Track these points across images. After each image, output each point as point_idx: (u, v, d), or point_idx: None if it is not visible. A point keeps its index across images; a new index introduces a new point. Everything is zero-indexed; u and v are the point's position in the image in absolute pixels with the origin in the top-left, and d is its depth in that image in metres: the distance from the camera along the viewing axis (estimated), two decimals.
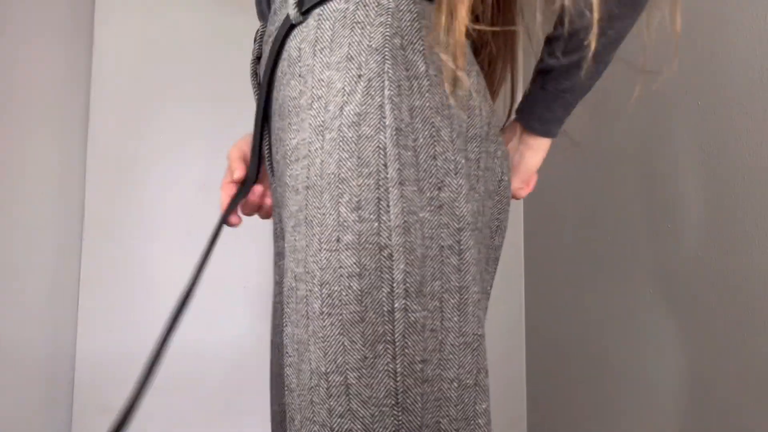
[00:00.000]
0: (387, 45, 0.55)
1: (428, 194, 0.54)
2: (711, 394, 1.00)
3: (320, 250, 0.53)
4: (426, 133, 0.55)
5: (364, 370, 0.51)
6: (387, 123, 0.53)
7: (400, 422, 0.52)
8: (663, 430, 1.11)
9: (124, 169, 1.46)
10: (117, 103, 1.45)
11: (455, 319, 0.55)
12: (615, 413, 1.26)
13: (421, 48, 0.56)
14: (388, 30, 0.55)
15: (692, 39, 1.05)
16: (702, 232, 1.03)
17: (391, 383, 0.51)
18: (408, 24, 0.56)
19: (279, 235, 0.73)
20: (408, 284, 0.52)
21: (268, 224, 1.50)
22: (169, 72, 1.48)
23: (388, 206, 0.52)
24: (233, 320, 1.48)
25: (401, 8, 0.56)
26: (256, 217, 1.56)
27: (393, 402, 0.51)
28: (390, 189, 0.52)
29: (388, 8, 0.56)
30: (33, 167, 1.22)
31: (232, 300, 1.48)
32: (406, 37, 0.56)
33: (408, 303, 0.52)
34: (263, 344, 1.48)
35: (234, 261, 1.49)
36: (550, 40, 0.63)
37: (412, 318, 0.52)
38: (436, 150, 0.55)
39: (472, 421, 0.55)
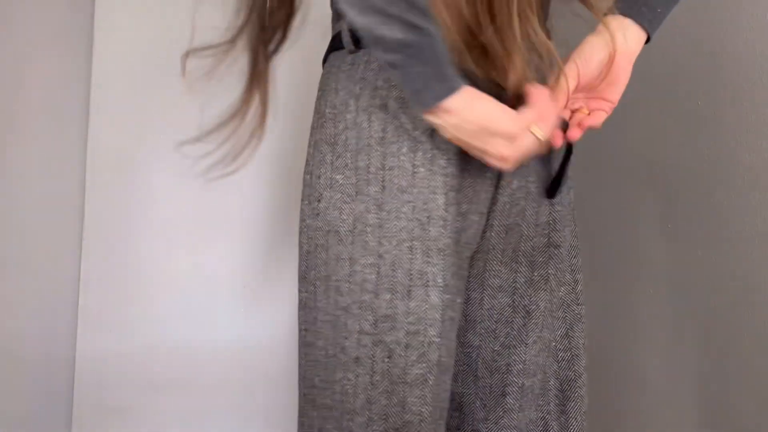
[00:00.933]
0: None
1: (312, 205, 0.73)
2: (711, 394, 1.00)
3: None
4: (317, 159, 0.73)
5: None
6: (306, 156, 0.76)
7: (300, 374, 0.75)
8: (663, 429, 1.11)
9: (124, 169, 1.46)
10: (117, 103, 1.45)
11: (323, 300, 0.71)
12: (615, 413, 1.26)
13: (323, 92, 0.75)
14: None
15: (692, 39, 1.05)
16: (702, 232, 1.03)
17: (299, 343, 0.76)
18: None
19: None
20: (299, 271, 0.75)
21: (267, 224, 1.50)
22: (170, 72, 1.48)
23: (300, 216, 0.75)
24: (232, 319, 1.48)
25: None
26: (256, 216, 1.56)
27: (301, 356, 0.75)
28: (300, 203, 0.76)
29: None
30: (33, 167, 1.22)
31: (231, 299, 1.48)
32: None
33: (299, 285, 0.75)
34: (262, 343, 1.48)
35: (233, 260, 1.49)
36: None
37: (299, 297, 0.75)
38: (320, 171, 0.72)
39: (334, 386, 0.70)
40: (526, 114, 0.64)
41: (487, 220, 0.73)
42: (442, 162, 0.67)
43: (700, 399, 1.02)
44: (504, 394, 0.75)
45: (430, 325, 0.66)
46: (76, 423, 1.39)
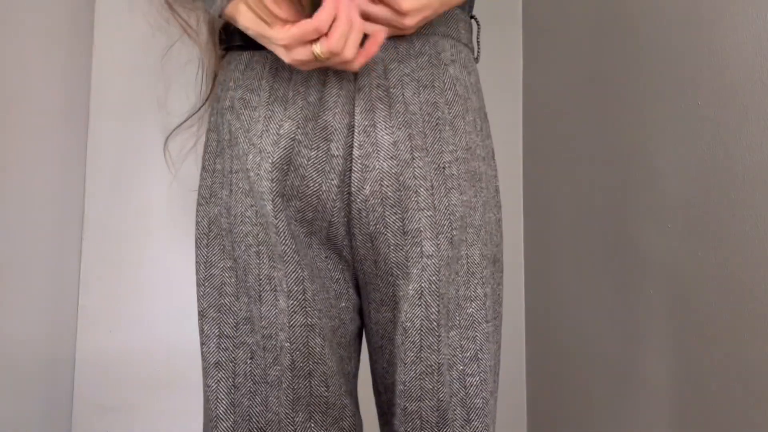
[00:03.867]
0: None
1: None
2: (711, 394, 1.00)
3: None
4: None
5: None
6: None
7: None
8: (663, 429, 1.11)
9: (124, 169, 1.46)
10: (117, 103, 1.45)
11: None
12: (615, 413, 1.26)
13: None
14: None
15: (692, 39, 1.05)
16: (702, 232, 1.03)
17: None
18: None
19: None
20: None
21: None
22: (170, 72, 1.48)
23: None
24: None
25: None
26: None
27: None
28: None
29: None
30: (33, 167, 1.22)
31: None
32: None
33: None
34: None
35: None
36: None
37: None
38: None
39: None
40: (299, 25, 0.58)
41: (349, 229, 0.68)
42: (267, 166, 0.65)
43: (700, 399, 1.02)
44: (392, 414, 0.71)
45: (280, 330, 0.66)
46: (76, 423, 1.39)
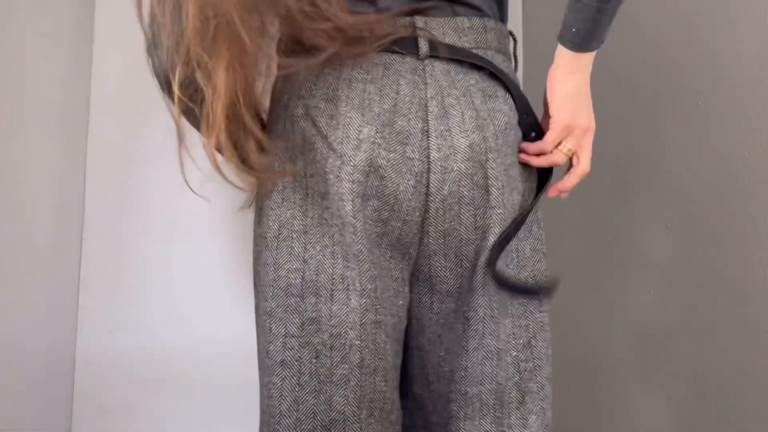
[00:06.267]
0: None
1: (255, 214, 0.81)
2: (711, 394, 1.00)
3: None
4: None
5: None
6: None
7: None
8: (663, 429, 1.11)
9: (124, 169, 1.45)
10: (117, 103, 1.45)
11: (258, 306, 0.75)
12: (615, 413, 1.26)
13: None
14: None
15: (692, 38, 1.05)
16: (702, 232, 1.03)
17: None
18: None
19: None
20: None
21: None
22: None
23: None
24: (232, 319, 1.48)
25: None
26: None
27: None
28: None
29: None
30: (33, 167, 1.22)
31: (230, 299, 1.48)
32: None
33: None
34: None
35: (233, 261, 1.49)
36: None
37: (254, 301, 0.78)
38: None
39: (262, 390, 0.73)
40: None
41: (422, 227, 0.73)
42: (349, 168, 0.69)
43: (700, 398, 1.02)
44: (449, 401, 0.74)
45: (351, 328, 0.69)
46: (76, 423, 1.39)
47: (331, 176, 0.69)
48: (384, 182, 0.70)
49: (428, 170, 0.70)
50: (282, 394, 0.70)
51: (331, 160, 0.69)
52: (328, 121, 0.70)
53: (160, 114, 1.48)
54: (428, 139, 0.70)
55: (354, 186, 0.69)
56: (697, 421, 1.03)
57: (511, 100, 0.76)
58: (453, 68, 0.73)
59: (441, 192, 0.71)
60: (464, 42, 0.74)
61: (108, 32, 1.45)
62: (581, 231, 1.39)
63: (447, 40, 0.73)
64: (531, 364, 0.76)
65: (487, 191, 0.72)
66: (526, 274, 0.76)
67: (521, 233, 0.76)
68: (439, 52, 0.72)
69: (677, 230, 1.09)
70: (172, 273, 1.45)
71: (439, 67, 0.72)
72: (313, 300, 0.70)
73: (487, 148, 0.71)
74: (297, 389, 0.69)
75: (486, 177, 0.72)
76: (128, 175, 1.46)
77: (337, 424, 0.68)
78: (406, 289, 0.76)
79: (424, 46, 0.72)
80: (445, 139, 0.70)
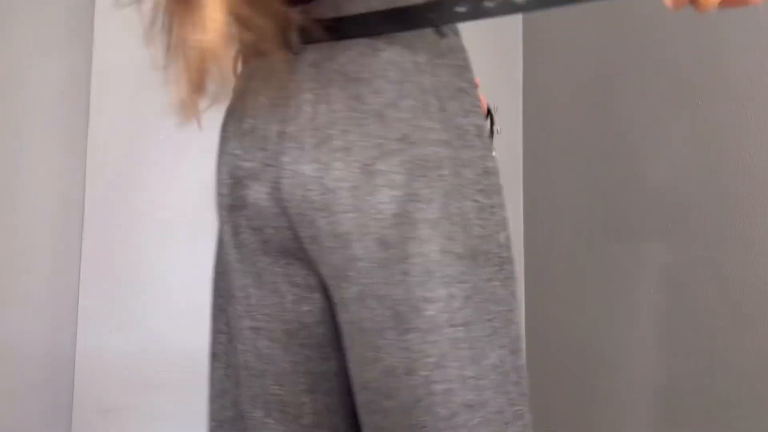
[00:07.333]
0: None
1: None
2: (711, 393, 1.00)
3: None
4: None
5: None
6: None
7: None
8: (664, 429, 1.11)
9: (124, 170, 1.45)
10: (117, 103, 1.45)
11: None
12: (615, 413, 1.26)
13: None
14: None
15: (692, 39, 1.05)
16: (702, 232, 1.03)
17: None
18: None
19: None
20: None
21: None
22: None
23: None
24: None
25: None
26: None
27: None
28: None
29: None
30: (33, 167, 1.22)
31: None
32: None
33: None
34: None
35: None
36: None
37: None
38: None
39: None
40: None
41: (295, 233, 0.67)
42: (217, 182, 0.73)
43: (701, 398, 1.02)
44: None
45: (238, 332, 0.74)
46: (76, 423, 1.39)
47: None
48: (246, 191, 0.69)
49: (281, 176, 0.64)
50: (213, 383, 0.79)
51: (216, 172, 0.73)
52: (222, 134, 0.74)
53: (160, 114, 1.48)
54: (283, 143, 0.63)
55: (221, 199, 0.71)
56: (697, 420, 1.03)
57: (381, 79, 0.62)
58: (321, 54, 0.64)
59: (294, 197, 0.63)
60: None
61: (108, 32, 1.45)
62: (581, 231, 1.39)
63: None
64: (442, 387, 0.62)
65: (335, 194, 0.61)
66: (435, 282, 0.60)
67: (422, 234, 0.60)
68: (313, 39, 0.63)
69: (677, 230, 1.09)
70: (172, 273, 1.45)
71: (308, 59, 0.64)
72: (226, 302, 0.76)
73: (333, 147, 0.62)
74: (224, 379, 0.77)
75: (333, 179, 0.61)
76: (128, 175, 1.46)
77: (237, 421, 0.75)
78: (316, 294, 0.70)
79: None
80: (295, 141, 0.63)
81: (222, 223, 0.71)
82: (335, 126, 0.62)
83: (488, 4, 0.59)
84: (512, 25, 1.68)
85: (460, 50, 0.67)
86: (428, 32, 0.65)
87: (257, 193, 0.67)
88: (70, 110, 1.39)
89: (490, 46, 1.67)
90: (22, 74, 1.17)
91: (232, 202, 0.70)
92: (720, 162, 0.99)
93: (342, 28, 0.64)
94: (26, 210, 1.20)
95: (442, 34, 0.67)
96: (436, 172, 0.61)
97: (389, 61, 0.63)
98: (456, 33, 0.69)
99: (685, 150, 1.07)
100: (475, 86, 0.68)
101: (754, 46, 0.93)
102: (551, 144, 1.52)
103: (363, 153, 0.61)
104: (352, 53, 0.63)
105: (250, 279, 0.71)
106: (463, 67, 0.67)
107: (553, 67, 1.49)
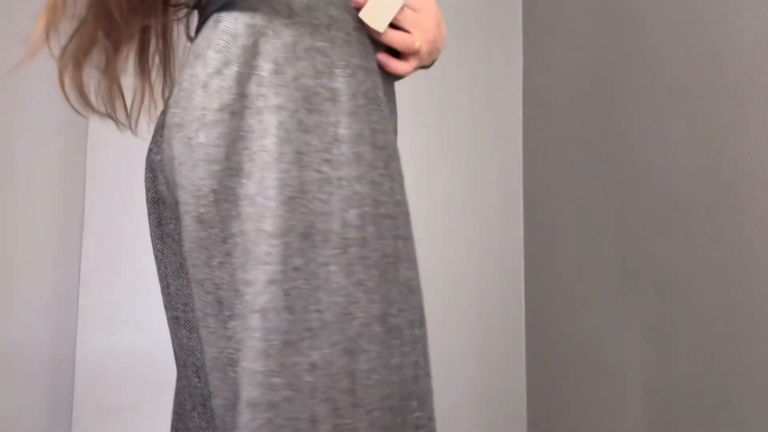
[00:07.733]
0: None
1: None
2: (711, 394, 1.00)
3: None
4: None
5: None
6: None
7: None
8: (663, 429, 1.11)
9: (124, 170, 1.46)
10: None
11: None
12: (615, 413, 1.26)
13: None
14: None
15: (692, 39, 1.05)
16: (702, 232, 1.03)
17: None
18: None
19: None
20: None
21: None
22: None
23: None
24: None
25: None
26: None
27: None
28: None
29: None
30: (33, 167, 1.22)
31: None
32: None
33: None
34: None
35: None
36: None
37: None
38: None
39: None
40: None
41: None
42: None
43: (701, 398, 1.02)
44: None
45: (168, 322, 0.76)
46: (76, 423, 1.39)
47: None
48: (160, 185, 0.71)
49: (165, 166, 0.64)
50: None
51: None
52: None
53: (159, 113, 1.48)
54: (164, 131, 0.63)
55: (146, 193, 0.73)
56: (698, 420, 1.03)
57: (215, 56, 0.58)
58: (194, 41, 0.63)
59: (174, 184, 0.60)
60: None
61: None
62: (581, 231, 1.39)
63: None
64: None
65: (173, 173, 0.59)
66: (241, 276, 0.53)
67: (244, 209, 0.54)
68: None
69: (677, 230, 1.09)
70: None
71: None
72: None
73: (168, 125, 0.60)
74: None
75: (172, 158, 0.59)
76: (128, 174, 1.46)
77: (181, 417, 0.74)
78: None
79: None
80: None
81: (148, 215, 0.73)
82: (178, 104, 0.58)
83: None
84: (513, 25, 1.68)
85: (322, 8, 0.59)
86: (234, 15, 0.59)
87: (162, 185, 0.70)
88: (70, 110, 1.39)
89: (490, 46, 1.67)
90: (21, 74, 1.17)
91: (155, 195, 0.72)
92: (720, 162, 0.99)
93: (204, 6, 0.62)
94: (26, 210, 1.20)
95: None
96: (258, 142, 0.55)
97: (223, 29, 0.58)
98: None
99: (685, 150, 1.07)
100: (342, 44, 0.59)
101: (754, 46, 0.93)
102: (551, 144, 1.52)
103: (189, 127, 0.57)
104: (205, 30, 0.60)
105: (170, 269, 0.72)
106: (321, 26, 0.59)
107: (553, 67, 1.49)
